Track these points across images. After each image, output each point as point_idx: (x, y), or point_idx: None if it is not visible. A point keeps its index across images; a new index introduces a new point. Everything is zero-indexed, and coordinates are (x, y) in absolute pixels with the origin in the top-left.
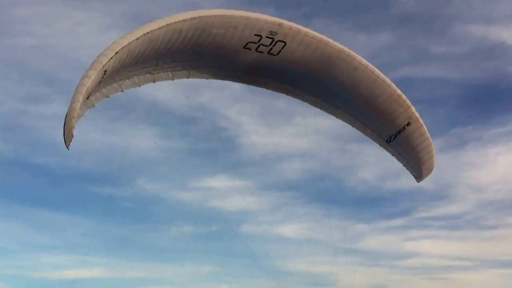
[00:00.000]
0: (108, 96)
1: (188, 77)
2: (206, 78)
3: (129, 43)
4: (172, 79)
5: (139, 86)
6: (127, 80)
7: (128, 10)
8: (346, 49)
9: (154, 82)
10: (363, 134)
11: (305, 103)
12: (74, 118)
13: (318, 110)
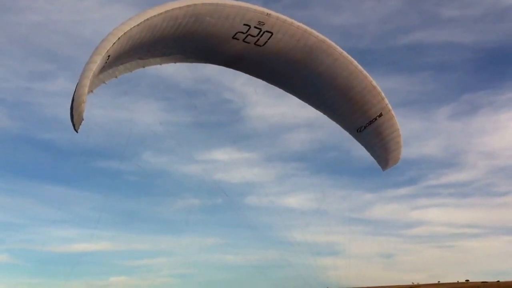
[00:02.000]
0: (104, 82)
1: (175, 62)
2: (190, 62)
3: (130, 29)
4: (160, 64)
5: (131, 71)
6: (120, 66)
7: None
8: (328, 40)
9: (143, 67)
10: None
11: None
12: (84, 102)
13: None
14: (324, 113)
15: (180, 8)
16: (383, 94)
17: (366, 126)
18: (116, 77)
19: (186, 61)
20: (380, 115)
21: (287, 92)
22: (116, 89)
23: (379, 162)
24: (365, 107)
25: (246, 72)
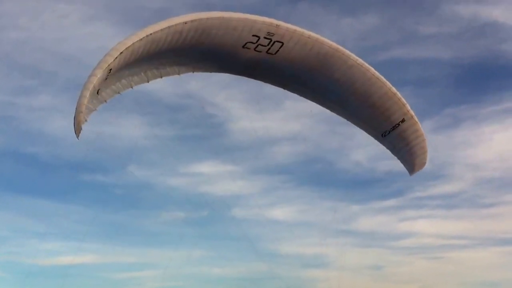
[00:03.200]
0: (119, 92)
1: (193, 72)
2: (210, 72)
3: (132, 44)
4: (179, 74)
5: (148, 81)
6: (135, 77)
7: (112, 1)
8: (340, 48)
9: (161, 77)
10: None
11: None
12: (82, 112)
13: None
14: (348, 120)
15: (184, 23)
16: (403, 100)
17: (390, 131)
18: (131, 87)
19: (205, 71)
20: (403, 120)
21: (310, 100)
22: (102, 104)
23: (406, 167)
24: (387, 113)
25: (265, 81)
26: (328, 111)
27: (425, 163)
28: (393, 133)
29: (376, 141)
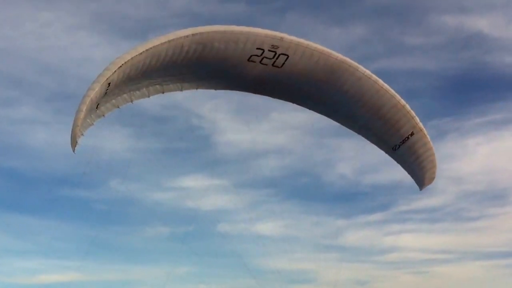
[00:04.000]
0: (118, 107)
1: (196, 88)
2: (215, 89)
3: (132, 58)
4: (181, 90)
5: (148, 97)
6: (136, 92)
7: (96, 10)
8: (348, 59)
9: (163, 93)
10: (368, 141)
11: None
12: (78, 126)
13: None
14: (359, 133)
15: (185, 37)
16: (413, 113)
17: (400, 145)
18: (132, 102)
19: (209, 87)
20: (412, 134)
21: (321, 114)
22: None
23: (416, 181)
24: (397, 126)
25: (273, 96)
26: (315, 121)
27: (434, 177)
28: (403, 147)
29: (360, 153)
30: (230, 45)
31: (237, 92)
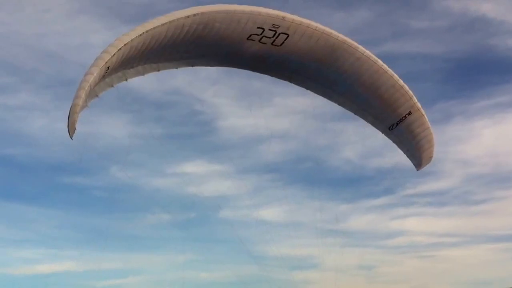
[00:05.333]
0: (112, 86)
1: (192, 66)
2: (211, 66)
3: (131, 40)
4: (177, 68)
5: (143, 75)
6: (131, 70)
7: None
8: (348, 40)
9: (158, 70)
10: (365, 121)
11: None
12: (77, 113)
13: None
14: (355, 113)
15: (187, 17)
16: (411, 93)
17: (397, 123)
18: (126, 80)
19: (206, 65)
20: (410, 113)
21: (317, 93)
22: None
23: (413, 161)
24: (394, 106)
25: (270, 74)
26: (318, 105)
27: (432, 157)
28: (400, 126)
29: (365, 137)
30: (231, 25)
31: (240, 77)
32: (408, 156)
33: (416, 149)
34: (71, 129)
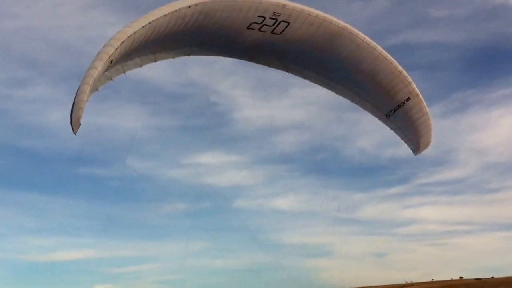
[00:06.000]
0: (111, 79)
1: (189, 55)
2: (207, 55)
3: (134, 33)
4: (173, 57)
5: (141, 66)
6: (129, 62)
7: None
8: (349, 26)
9: (155, 61)
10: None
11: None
12: (82, 108)
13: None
14: (352, 101)
15: (188, 7)
16: (410, 79)
17: (395, 110)
18: (124, 72)
19: (202, 54)
20: (408, 99)
21: (313, 82)
22: (97, 94)
23: (410, 146)
24: (393, 92)
25: (267, 64)
26: (334, 96)
27: (430, 141)
28: (398, 112)
29: (381, 127)
30: (232, 14)
31: (255, 68)
32: (405, 141)
33: (414, 134)
34: (75, 125)
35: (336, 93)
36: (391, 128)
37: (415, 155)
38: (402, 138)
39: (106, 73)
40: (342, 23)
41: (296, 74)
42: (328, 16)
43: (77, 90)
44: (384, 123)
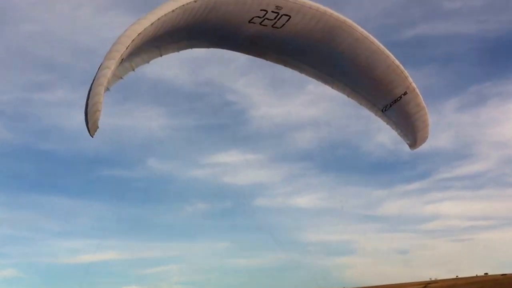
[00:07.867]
0: (121, 77)
1: (191, 48)
2: (207, 47)
3: (144, 29)
4: (178, 51)
5: (148, 62)
6: (136, 58)
7: None
8: (348, 20)
9: (161, 56)
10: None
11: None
12: (99, 111)
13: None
14: (348, 95)
15: (194, 1)
16: (406, 73)
17: (391, 104)
18: (133, 69)
19: (202, 46)
20: (405, 93)
21: (311, 77)
22: (116, 96)
23: (407, 141)
24: (389, 86)
25: (265, 58)
26: None
27: (427, 136)
28: (394, 106)
29: None
30: (236, 7)
31: (271, 66)
32: (401, 137)
33: (411, 129)
34: (92, 128)
35: (332, 88)
36: (388, 123)
37: (412, 150)
38: (399, 133)
39: (116, 71)
40: (341, 17)
41: (293, 68)
42: (328, 10)
43: (91, 92)
44: (380, 118)
